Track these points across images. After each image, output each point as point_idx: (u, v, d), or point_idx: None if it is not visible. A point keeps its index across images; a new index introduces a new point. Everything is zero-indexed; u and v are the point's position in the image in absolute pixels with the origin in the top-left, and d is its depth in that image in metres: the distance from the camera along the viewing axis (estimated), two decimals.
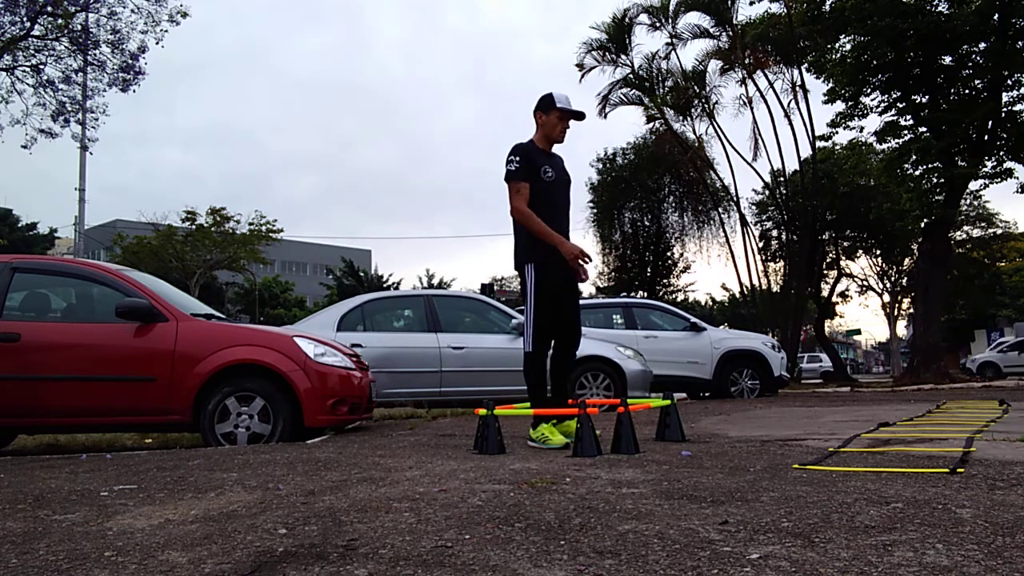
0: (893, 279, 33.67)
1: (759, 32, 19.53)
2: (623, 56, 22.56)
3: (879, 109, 17.09)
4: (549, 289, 3.85)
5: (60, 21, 13.76)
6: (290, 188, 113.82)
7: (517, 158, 3.80)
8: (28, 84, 14.32)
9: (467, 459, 3.36)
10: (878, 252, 29.50)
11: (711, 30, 21.44)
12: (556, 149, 4.09)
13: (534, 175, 3.82)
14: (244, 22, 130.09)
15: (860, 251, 28.45)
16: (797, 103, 20.22)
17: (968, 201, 26.50)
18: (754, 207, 26.02)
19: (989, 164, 16.43)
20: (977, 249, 30.07)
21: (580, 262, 3.81)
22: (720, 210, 24.61)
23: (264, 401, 4.73)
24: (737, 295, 35.93)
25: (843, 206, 22.38)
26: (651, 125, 23.88)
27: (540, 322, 3.85)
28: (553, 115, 3.90)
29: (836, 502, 2.07)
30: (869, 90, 16.91)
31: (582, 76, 22.92)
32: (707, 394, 10.43)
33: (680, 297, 30.91)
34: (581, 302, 11.55)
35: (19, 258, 5.16)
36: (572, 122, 4.00)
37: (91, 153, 16.80)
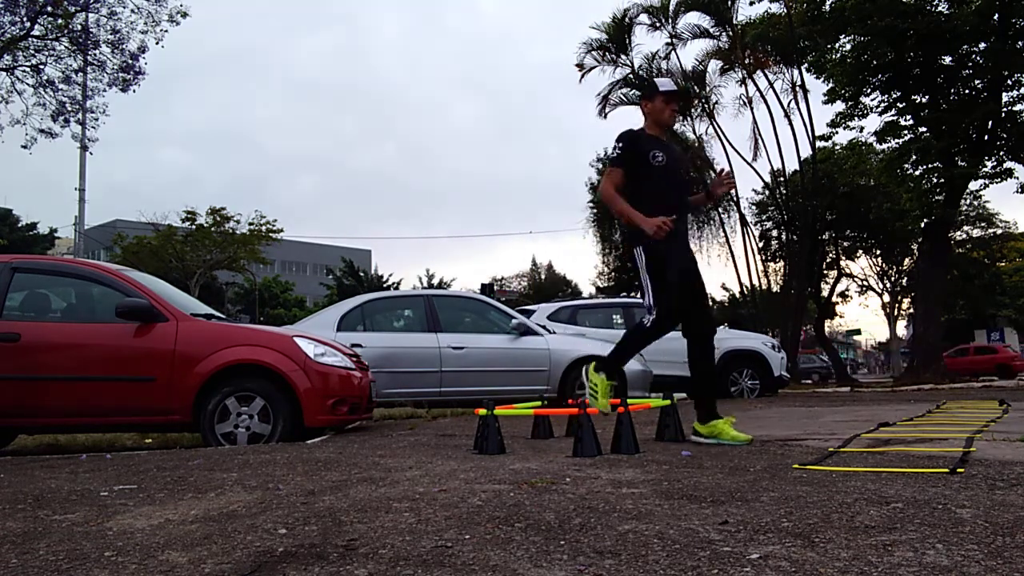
0: (893, 279, 33.67)
1: (759, 32, 19.54)
2: (623, 56, 22.59)
3: (879, 109, 17.11)
4: (665, 268, 3.72)
5: (60, 21, 13.78)
6: (290, 188, 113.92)
7: (621, 144, 3.85)
8: (28, 84, 14.35)
9: (467, 459, 3.36)
10: (878, 252, 29.51)
11: (711, 30, 21.47)
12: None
13: (642, 160, 3.81)
14: (244, 23, 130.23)
15: (860, 251, 28.45)
16: (797, 103, 20.25)
17: (968, 201, 26.51)
18: (754, 207, 26.06)
19: (989, 164, 16.44)
20: (977, 249, 30.08)
21: (667, 224, 3.63)
22: (720, 210, 24.63)
23: (264, 401, 4.73)
24: (737, 295, 35.93)
25: (843, 206, 22.37)
26: None
27: (662, 302, 3.70)
28: (658, 100, 3.89)
29: (836, 502, 2.07)
30: (869, 90, 16.92)
31: (582, 76, 22.97)
32: None
33: None
34: (582, 302, 11.54)
35: (19, 258, 5.16)
36: (636, 111, 4.04)
37: (91, 153, 16.83)
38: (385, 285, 41.63)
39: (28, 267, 5.07)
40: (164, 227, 29.84)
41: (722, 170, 4.09)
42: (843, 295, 31.97)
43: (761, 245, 24.79)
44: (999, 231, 31.00)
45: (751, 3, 19.23)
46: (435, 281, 43.20)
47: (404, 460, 3.42)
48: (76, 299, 5.26)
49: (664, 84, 3.93)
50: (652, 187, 3.80)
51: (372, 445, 4.20)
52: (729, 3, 20.75)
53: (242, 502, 2.40)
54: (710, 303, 4.01)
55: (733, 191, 23.10)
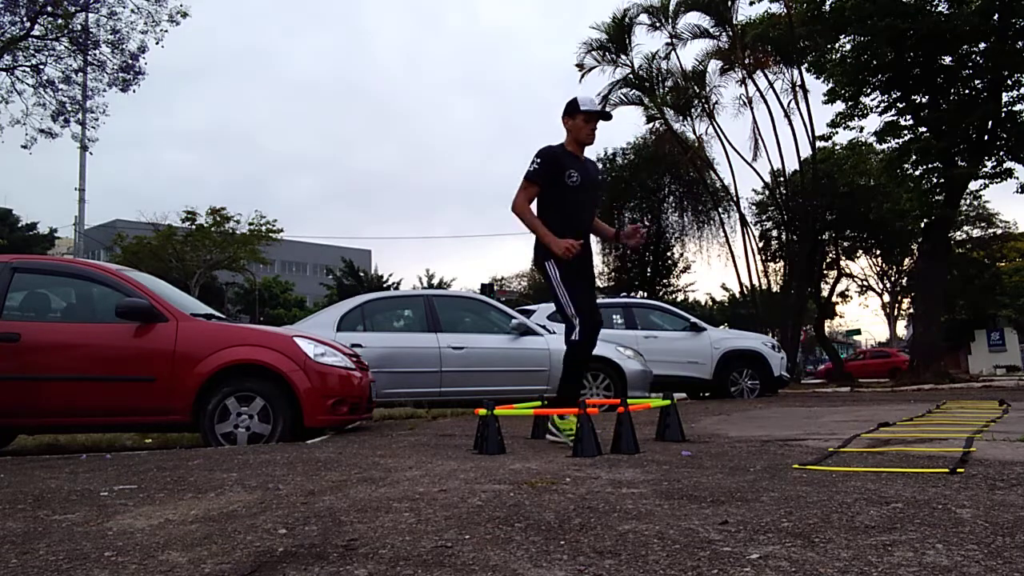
0: (893, 279, 33.69)
1: (759, 32, 19.53)
2: (623, 56, 22.58)
3: (879, 109, 17.09)
4: (577, 278, 3.89)
5: (60, 21, 13.78)
6: (290, 188, 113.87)
7: (540, 160, 3.89)
8: (28, 84, 14.35)
9: (467, 459, 3.36)
10: (878, 252, 29.51)
11: (711, 30, 21.46)
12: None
13: (557, 178, 3.88)
14: (244, 24, 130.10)
15: (860, 251, 28.45)
16: (797, 103, 20.24)
17: (968, 201, 26.53)
18: (754, 207, 26.04)
19: (989, 164, 16.42)
20: (977, 249, 30.09)
21: (574, 247, 3.80)
22: (720, 210, 24.63)
23: (264, 401, 4.73)
24: (737, 295, 35.95)
25: (843, 206, 22.35)
26: (651, 125, 23.93)
27: (583, 308, 3.84)
28: (579, 119, 3.94)
29: (836, 502, 2.07)
30: (869, 90, 16.90)
31: (582, 76, 22.95)
32: (707, 394, 10.43)
33: (680, 297, 30.96)
34: None
35: (19, 258, 5.16)
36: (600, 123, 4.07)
37: (91, 153, 16.83)
38: (385, 285, 41.62)
39: (28, 267, 5.07)
40: (164, 227, 29.84)
41: (639, 226, 4.21)
42: (843, 295, 32.00)
43: (761, 245, 24.78)
44: (999, 231, 31.04)
45: (751, 3, 19.20)
46: (435, 281, 43.20)
47: (404, 460, 3.42)
48: (76, 299, 5.26)
49: (586, 103, 3.96)
50: (563, 206, 3.90)
51: (372, 445, 4.20)
52: (729, 3, 20.74)
53: (242, 502, 2.40)
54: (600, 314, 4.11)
55: (733, 191, 23.14)
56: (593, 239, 4.35)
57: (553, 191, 3.89)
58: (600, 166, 25.53)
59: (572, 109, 3.97)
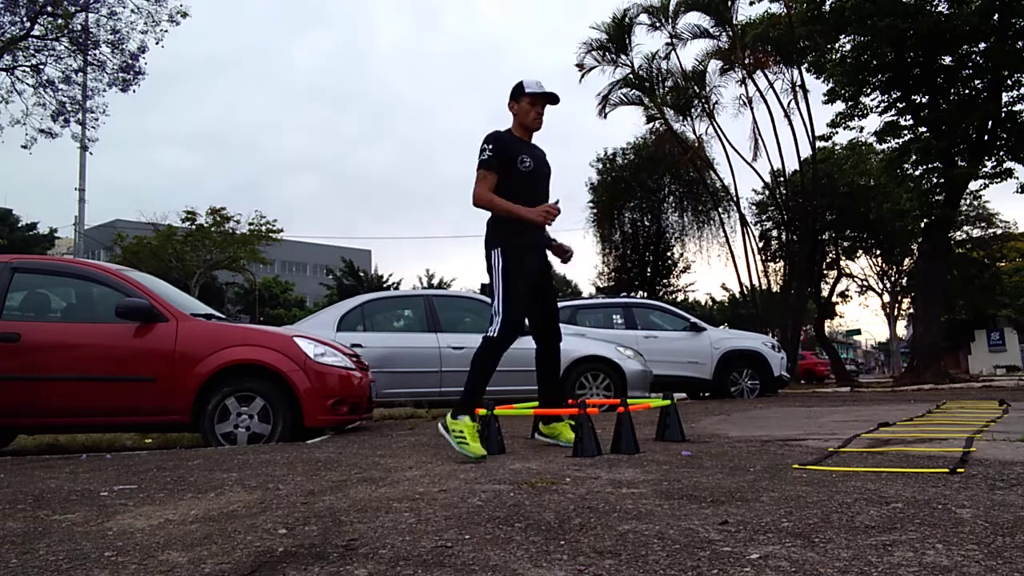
0: (893, 279, 33.66)
1: (759, 32, 19.52)
2: (623, 56, 22.55)
3: (879, 109, 17.08)
4: (520, 275, 3.66)
5: (60, 21, 13.77)
6: (290, 188, 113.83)
7: (490, 147, 3.67)
8: (28, 84, 14.35)
9: (467, 459, 3.35)
10: (878, 252, 29.49)
11: (711, 30, 21.44)
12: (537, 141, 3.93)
13: (509, 165, 3.68)
14: (244, 24, 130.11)
15: (860, 251, 28.43)
16: (797, 103, 20.21)
17: (968, 201, 26.51)
18: (754, 207, 26.03)
19: (989, 164, 16.42)
20: (977, 249, 30.08)
21: (548, 213, 3.64)
22: (720, 210, 24.61)
23: (264, 401, 4.73)
24: (737, 295, 35.94)
25: (843, 206, 22.34)
26: (651, 125, 23.91)
27: (511, 309, 3.59)
28: (524, 102, 3.74)
29: (836, 502, 2.07)
30: (869, 90, 16.90)
31: (582, 76, 22.92)
32: (707, 394, 10.43)
33: (680, 297, 30.92)
34: (582, 302, 11.54)
35: (19, 258, 5.16)
36: (560, 110, 3.94)
37: (91, 153, 16.81)
38: (385, 285, 41.62)
39: (28, 267, 5.07)
40: (164, 227, 29.82)
41: (566, 251, 3.99)
42: (843, 295, 31.98)
43: (761, 245, 24.77)
44: (999, 231, 31.03)
45: (751, 3, 19.18)
46: (435, 281, 43.21)
47: (404, 460, 3.42)
48: (76, 299, 5.26)
49: (531, 85, 3.76)
50: (517, 192, 3.69)
51: (372, 445, 4.20)
52: (729, 3, 20.72)
53: (242, 502, 2.40)
54: (559, 316, 4.03)
55: (733, 191, 23.13)
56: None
57: (506, 179, 3.68)
58: (600, 166, 25.43)
59: (517, 92, 3.77)
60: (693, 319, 10.58)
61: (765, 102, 21.03)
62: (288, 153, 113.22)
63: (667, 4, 21.46)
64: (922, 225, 18.00)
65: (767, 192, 23.68)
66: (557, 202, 3.71)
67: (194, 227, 29.53)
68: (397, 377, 7.27)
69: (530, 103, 3.75)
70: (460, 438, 3.39)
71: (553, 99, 3.81)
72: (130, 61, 14.58)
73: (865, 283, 34.13)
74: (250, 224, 29.90)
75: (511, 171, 3.68)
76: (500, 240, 3.69)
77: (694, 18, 21.50)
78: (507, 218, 3.67)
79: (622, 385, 7.70)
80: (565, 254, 4.01)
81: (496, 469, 2.97)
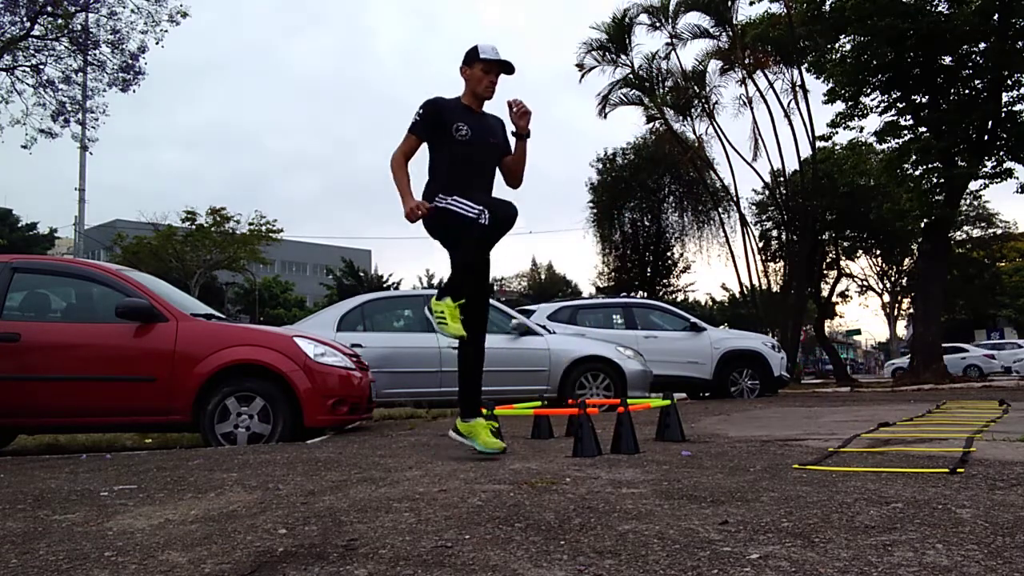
0: (893, 279, 33.67)
1: (759, 32, 19.52)
2: (623, 56, 22.57)
3: (879, 109, 17.07)
4: (457, 240, 3.45)
5: (60, 21, 13.77)
6: (290, 188, 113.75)
7: (421, 111, 3.49)
8: (28, 84, 14.35)
9: (467, 459, 3.35)
10: (878, 252, 29.50)
11: (711, 30, 21.45)
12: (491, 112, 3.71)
13: (444, 131, 3.47)
14: (244, 23, 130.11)
15: (860, 251, 28.44)
16: (797, 103, 20.22)
17: (968, 201, 26.51)
18: (754, 207, 26.03)
19: (989, 164, 16.40)
20: (977, 249, 30.08)
21: (417, 212, 3.39)
22: (720, 210, 24.63)
23: (264, 401, 4.73)
24: (737, 295, 35.93)
25: (843, 206, 22.35)
26: (651, 125, 23.93)
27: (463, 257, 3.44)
28: (477, 68, 3.52)
29: (836, 502, 2.07)
30: (869, 90, 16.89)
31: (582, 76, 22.94)
32: (707, 394, 10.43)
33: (680, 297, 30.94)
34: (582, 302, 11.53)
35: (19, 258, 5.17)
36: (521, 82, 3.76)
37: (91, 153, 16.83)
38: (385, 285, 41.61)
39: (28, 267, 5.07)
40: (164, 227, 29.84)
41: (514, 101, 3.59)
42: (843, 295, 31.97)
43: (761, 245, 24.78)
44: (999, 231, 31.04)
45: (751, 3, 19.18)
46: (435, 281, 43.18)
47: (404, 460, 3.42)
48: (76, 299, 5.26)
49: (486, 51, 3.52)
50: (449, 161, 3.49)
51: (372, 445, 4.20)
52: (729, 3, 20.73)
53: (242, 502, 2.40)
54: (488, 307, 3.75)
55: (733, 191, 23.13)
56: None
57: (440, 146, 3.48)
58: (600, 166, 25.32)
59: (471, 58, 3.54)
60: (693, 319, 10.58)
61: (765, 102, 21.05)
62: (288, 153, 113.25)
63: (667, 4, 21.47)
64: (922, 225, 17.98)
65: (767, 192, 23.69)
66: (431, 205, 3.44)
67: (194, 227, 29.54)
68: (397, 377, 7.28)
69: (483, 70, 3.53)
70: (441, 319, 3.35)
71: (508, 68, 3.58)
72: (130, 61, 14.59)
73: (865, 283, 34.15)
74: (250, 224, 29.92)
75: (444, 139, 3.48)
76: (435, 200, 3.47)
77: (694, 18, 21.54)
78: (450, 186, 3.45)
79: (622, 385, 7.70)
80: (519, 119, 3.59)
81: (496, 469, 2.97)
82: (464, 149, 3.49)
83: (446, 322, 3.32)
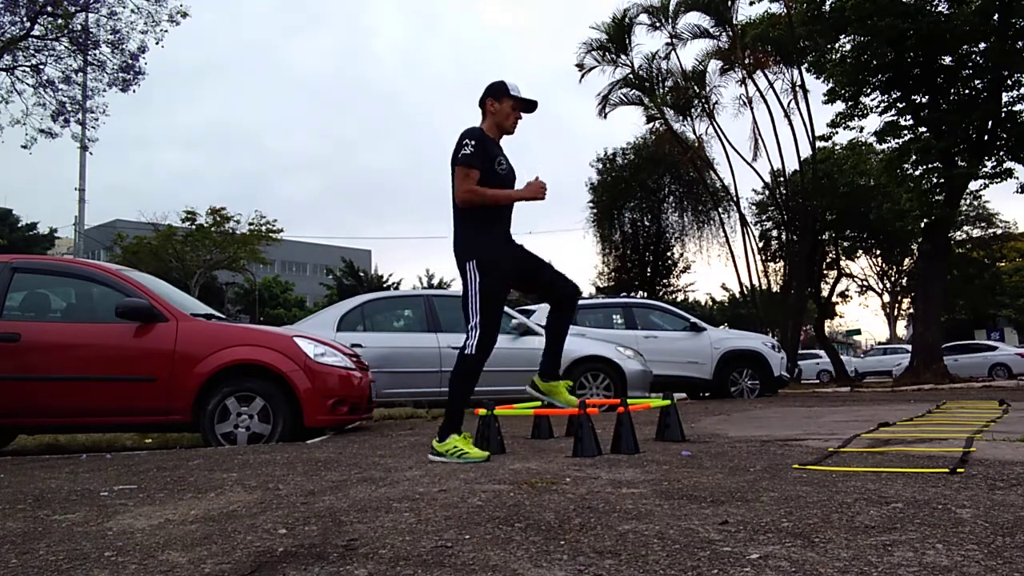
0: (893, 279, 33.69)
1: (759, 32, 19.52)
2: (623, 56, 22.56)
3: (879, 109, 17.08)
4: (497, 291, 3.53)
5: (60, 21, 13.78)
6: (290, 188, 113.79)
7: (473, 142, 3.48)
8: (28, 84, 14.35)
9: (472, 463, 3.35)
10: (878, 252, 29.51)
11: (711, 30, 21.45)
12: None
13: (488, 165, 3.52)
14: (244, 24, 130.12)
15: (860, 251, 28.44)
16: (797, 103, 20.21)
17: (968, 201, 26.52)
18: (754, 207, 26.04)
19: (989, 164, 16.40)
20: (977, 249, 30.09)
21: (542, 187, 3.52)
22: (720, 210, 24.62)
23: (264, 401, 4.73)
24: (737, 295, 35.93)
25: (843, 206, 22.36)
26: (651, 125, 23.92)
27: (488, 326, 3.46)
28: (507, 104, 3.60)
29: (836, 502, 2.07)
30: (869, 90, 16.89)
31: (582, 76, 22.93)
32: (707, 394, 10.43)
33: (680, 297, 30.93)
34: (582, 302, 11.57)
35: (19, 258, 5.17)
36: (527, 115, 3.75)
37: (91, 153, 16.83)
38: (385, 285, 41.61)
39: (28, 267, 5.07)
40: (164, 227, 29.85)
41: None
42: (843, 295, 31.97)
43: (761, 245, 24.78)
44: (999, 231, 31.05)
45: (751, 3, 19.18)
46: (435, 281, 43.16)
47: (404, 460, 3.42)
48: (76, 299, 5.26)
49: (515, 89, 3.61)
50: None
51: (372, 445, 4.20)
52: (729, 3, 20.72)
53: (242, 502, 2.40)
54: (557, 270, 3.79)
55: (733, 191, 23.13)
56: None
57: (483, 181, 3.48)
58: (600, 166, 25.46)
59: (499, 92, 3.60)
60: (693, 319, 10.58)
61: (765, 102, 21.05)
62: (288, 153, 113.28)
63: (667, 4, 21.47)
64: (922, 225, 17.99)
65: (767, 192, 23.69)
66: (537, 178, 3.58)
67: (194, 227, 29.54)
68: (397, 377, 7.28)
69: (512, 107, 3.62)
70: (457, 451, 3.32)
71: (534, 106, 3.70)
72: (130, 61, 14.59)
73: (865, 283, 34.17)
74: (250, 224, 29.93)
75: (489, 173, 3.51)
76: (475, 252, 3.51)
77: (694, 18, 21.53)
78: (479, 227, 3.52)
79: (622, 385, 7.70)
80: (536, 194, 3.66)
81: (496, 469, 2.97)
82: (503, 182, 3.58)
83: (466, 452, 3.34)
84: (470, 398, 3.52)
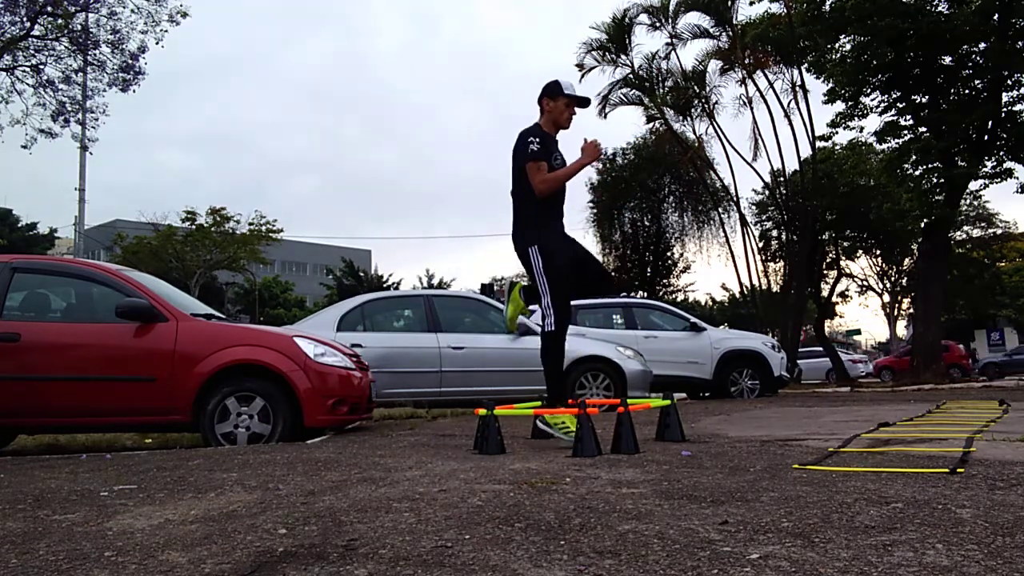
0: (893, 279, 33.68)
1: (759, 32, 19.52)
2: (623, 56, 22.57)
3: (879, 109, 17.08)
4: (560, 265, 3.90)
5: (60, 21, 13.78)
6: (290, 189, 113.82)
7: (537, 139, 3.87)
8: (28, 84, 14.35)
9: (467, 459, 3.36)
10: (878, 252, 29.51)
11: (711, 30, 21.46)
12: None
13: (547, 159, 3.89)
14: (244, 24, 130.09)
15: (860, 251, 28.45)
16: (797, 103, 20.23)
17: (968, 201, 26.53)
18: (754, 207, 26.05)
19: (989, 164, 16.41)
20: (977, 249, 30.09)
21: (596, 145, 3.94)
22: (720, 210, 24.63)
23: (264, 401, 4.73)
24: (737, 295, 35.93)
25: (843, 206, 22.35)
26: (651, 125, 23.94)
27: (558, 301, 3.88)
28: (561, 101, 3.97)
29: (836, 502, 2.07)
30: (869, 90, 16.90)
31: (582, 76, 22.93)
32: (707, 394, 10.43)
33: (680, 297, 30.94)
34: (582, 302, 11.61)
35: (19, 258, 5.16)
36: (577, 110, 4.13)
37: (91, 153, 16.83)
38: (385, 285, 41.60)
39: (28, 267, 5.07)
40: (164, 227, 29.86)
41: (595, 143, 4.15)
42: (843, 295, 31.98)
43: (761, 245, 24.79)
44: (999, 231, 31.06)
45: (751, 3, 19.19)
46: (435, 281, 43.17)
47: (404, 460, 3.42)
48: (76, 299, 5.26)
49: (569, 87, 4.00)
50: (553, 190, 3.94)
51: (372, 445, 4.20)
52: (729, 3, 20.74)
53: (242, 502, 2.40)
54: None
55: (733, 191, 23.13)
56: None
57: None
58: (600, 166, 25.49)
59: (555, 91, 3.99)
60: (693, 319, 10.58)
61: (765, 102, 21.06)
62: (288, 153, 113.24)
63: (667, 4, 21.47)
64: (922, 225, 17.99)
65: (767, 192, 23.69)
66: (593, 141, 3.98)
67: (194, 227, 29.56)
68: (397, 377, 7.28)
69: (566, 104, 3.98)
70: (564, 428, 3.70)
71: (587, 102, 4.09)
72: (130, 61, 14.59)
73: (865, 283, 34.17)
74: (250, 224, 29.94)
75: (549, 166, 3.89)
76: (534, 237, 3.89)
77: (694, 18, 21.55)
78: (536, 212, 3.90)
79: (622, 385, 7.70)
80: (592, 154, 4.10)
81: (496, 469, 2.97)
82: None
83: (570, 430, 3.63)
84: (562, 371, 3.99)
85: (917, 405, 6.68)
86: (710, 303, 45.55)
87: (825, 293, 26.06)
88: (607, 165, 26.32)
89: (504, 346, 7.56)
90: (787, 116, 20.59)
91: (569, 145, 4.06)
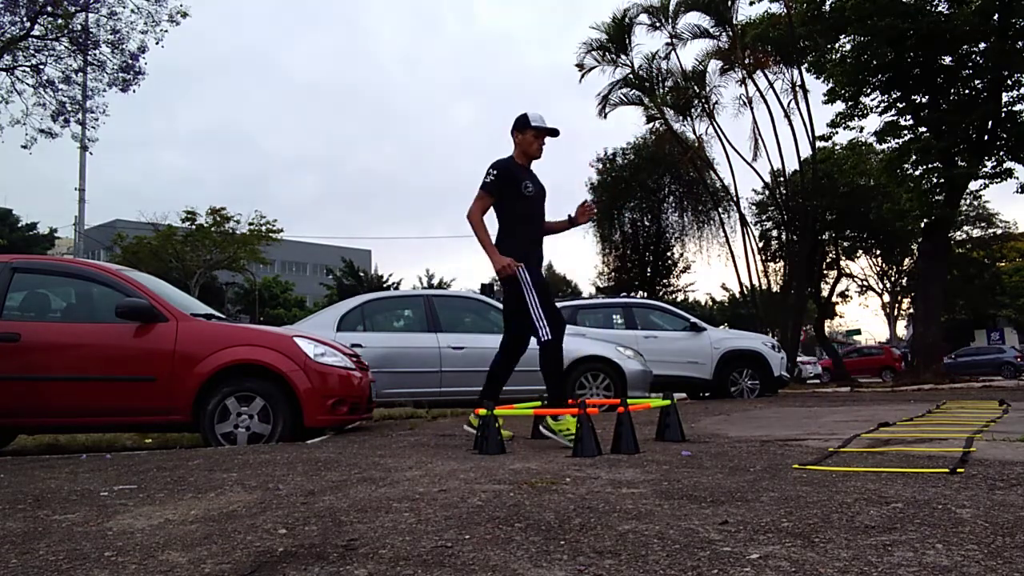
0: (893, 279, 33.69)
1: (759, 32, 19.53)
2: (623, 56, 22.57)
3: (879, 109, 17.09)
4: (541, 282, 4.10)
5: (60, 21, 13.77)
6: (290, 188, 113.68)
7: (495, 172, 4.08)
8: (28, 84, 14.35)
9: (467, 459, 3.36)
10: (878, 252, 29.51)
11: (711, 30, 21.46)
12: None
13: (514, 190, 4.09)
14: (244, 24, 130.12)
15: (860, 251, 28.46)
16: (797, 103, 20.23)
17: (968, 201, 26.54)
18: (754, 207, 26.05)
19: (989, 164, 16.41)
20: (977, 249, 30.10)
21: (510, 270, 4.03)
22: (720, 210, 24.63)
23: (264, 401, 4.72)
24: (737, 295, 35.93)
25: (843, 206, 22.36)
26: (651, 125, 23.94)
27: (548, 312, 4.02)
28: (529, 134, 4.16)
29: (836, 502, 2.07)
30: (869, 90, 16.90)
31: (582, 76, 22.95)
32: (707, 394, 10.43)
33: (680, 297, 30.94)
34: (582, 303, 11.62)
35: (19, 258, 5.16)
36: (550, 138, 4.29)
37: (91, 153, 16.82)
38: (385, 285, 41.59)
39: (28, 267, 5.07)
40: (164, 227, 29.87)
41: (585, 201, 4.47)
42: (843, 295, 31.99)
43: (761, 245, 24.80)
44: (999, 231, 31.08)
45: (751, 3, 19.20)
46: (435, 281, 43.16)
47: (404, 460, 3.42)
48: (76, 299, 5.25)
49: (536, 119, 4.17)
50: (522, 215, 4.16)
51: (372, 445, 4.20)
52: (729, 3, 20.73)
53: (242, 502, 2.40)
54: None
55: (733, 191, 23.15)
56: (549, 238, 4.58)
57: (512, 202, 4.11)
58: (600, 166, 25.42)
59: (522, 124, 4.17)
60: (693, 319, 10.58)
61: (765, 102, 21.06)
62: (288, 153, 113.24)
63: (667, 4, 21.47)
64: (922, 225, 17.99)
65: (767, 192, 23.69)
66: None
67: (194, 227, 29.56)
68: (397, 377, 7.27)
69: (534, 136, 4.17)
70: (568, 434, 3.72)
71: (555, 133, 4.23)
72: (130, 61, 14.59)
73: (865, 283, 34.18)
74: (250, 224, 29.94)
75: (517, 195, 4.11)
76: (521, 257, 4.06)
77: (694, 18, 21.54)
78: (521, 234, 4.13)
79: (622, 385, 7.70)
80: (584, 216, 4.47)
81: (496, 469, 2.97)
82: (530, 203, 4.18)
83: (572, 436, 3.62)
84: (563, 377, 4.11)
85: (917, 405, 6.68)
86: (710, 303, 45.57)
87: (825, 293, 26.07)
88: (607, 165, 26.32)
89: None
90: (787, 116, 20.61)
91: (570, 146, 4.10)
